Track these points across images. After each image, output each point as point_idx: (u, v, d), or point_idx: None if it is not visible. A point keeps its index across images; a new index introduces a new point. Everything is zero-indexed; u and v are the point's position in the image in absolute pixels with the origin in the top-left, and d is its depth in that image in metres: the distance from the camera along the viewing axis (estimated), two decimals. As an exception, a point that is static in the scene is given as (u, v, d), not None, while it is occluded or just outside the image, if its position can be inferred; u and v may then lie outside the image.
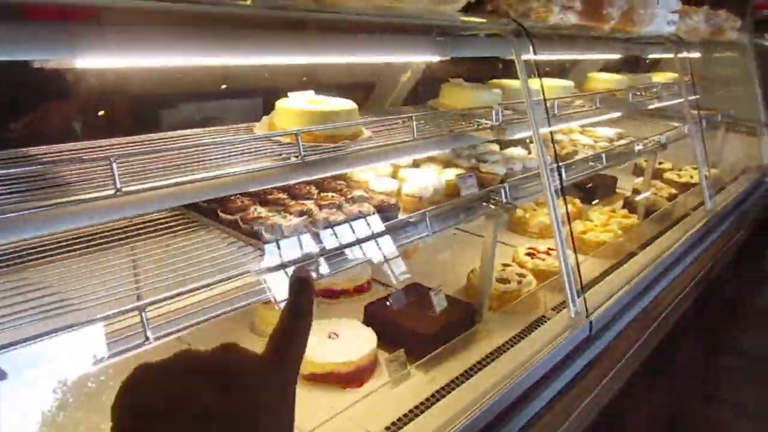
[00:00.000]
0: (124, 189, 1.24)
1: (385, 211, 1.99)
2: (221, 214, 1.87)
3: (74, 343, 1.25)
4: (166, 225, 1.88)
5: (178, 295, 1.35)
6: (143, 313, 1.26)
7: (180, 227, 1.89)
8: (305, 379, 2.08)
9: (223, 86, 2.74)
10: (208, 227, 1.90)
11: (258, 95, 2.74)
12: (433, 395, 1.96)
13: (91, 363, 1.25)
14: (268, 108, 1.98)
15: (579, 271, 2.49)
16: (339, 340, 2.17)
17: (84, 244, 1.68)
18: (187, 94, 2.58)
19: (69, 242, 1.68)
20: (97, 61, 1.33)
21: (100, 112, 2.32)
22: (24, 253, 1.53)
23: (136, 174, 1.35)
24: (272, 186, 1.67)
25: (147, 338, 1.27)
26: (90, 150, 1.61)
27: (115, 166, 1.22)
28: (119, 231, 1.79)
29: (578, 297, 2.41)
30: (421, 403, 1.93)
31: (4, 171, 1.29)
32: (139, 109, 2.50)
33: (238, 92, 2.79)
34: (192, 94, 2.62)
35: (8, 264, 1.46)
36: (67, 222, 1.21)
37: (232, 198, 1.91)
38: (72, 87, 1.99)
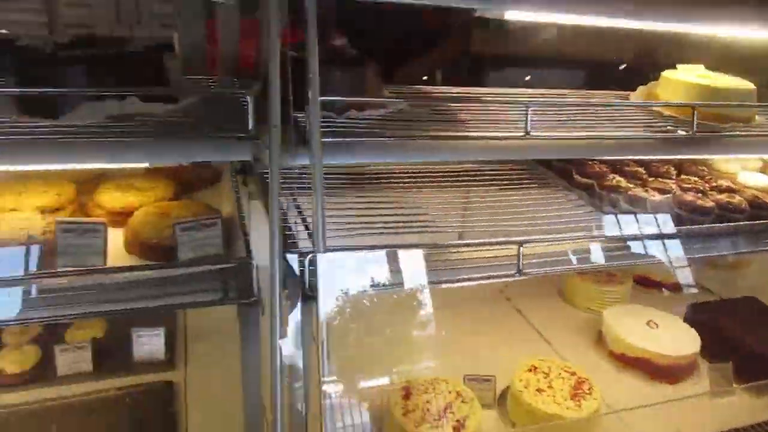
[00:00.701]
0: (532, 133, 1.35)
1: (757, 208, 1.77)
2: (576, 176, 1.91)
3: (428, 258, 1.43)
4: (518, 176, 2.01)
5: (551, 240, 1.45)
6: (521, 248, 1.39)
7: (528, 180, 2.01)
8: (614, 358, 2.04)
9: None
10: (556, 186, 1.97)
11: (583, 66, 2.68)
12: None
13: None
14: (596, 78, 1.90)
15: None
16: (657, 330, 2.06)
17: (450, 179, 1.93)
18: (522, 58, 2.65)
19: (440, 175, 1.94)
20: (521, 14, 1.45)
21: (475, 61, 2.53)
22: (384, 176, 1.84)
23: (540, 122, 1.44)
24: (651, 157, 1.63)
25: (519, 271, 1.39)
26: (491, 95, 1.78)
27: (530, 111, 1.33)
28: (478, 173, 1.99)
29: None
30: (752, 427, 1.73)
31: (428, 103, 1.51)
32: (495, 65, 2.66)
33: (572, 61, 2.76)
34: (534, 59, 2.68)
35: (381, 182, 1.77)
36: (477, 154, 1.38)
37: (590, 162, 1.93)
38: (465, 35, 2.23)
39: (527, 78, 2.60)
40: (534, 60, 2.64)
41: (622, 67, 2.46)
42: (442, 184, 1.93)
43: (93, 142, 1.09)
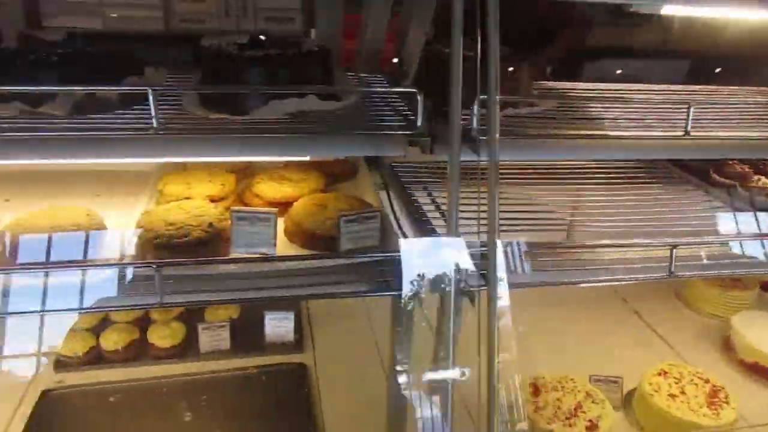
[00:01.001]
0: (692, 132, 1.31)
1: None
2: (714, 175, 1.84)
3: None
4: (648, 173, 1.96)
5: (704, 243, 1.41)
6: (674, 250, 1.35)
7: (661, 178, 1.94)
8: (745, 367, 1.96)
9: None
10: (689, 184, 1.90)
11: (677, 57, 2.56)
12: None
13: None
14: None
15: None
16: (794, 340, 1.96)
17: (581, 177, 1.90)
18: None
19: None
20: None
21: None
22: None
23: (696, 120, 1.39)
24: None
25: (671, 273, 1.36)
26: (643, 92, 1.74)
27: (691, 110, 1.29)
28: (604, 170, 1.95)
29: None
30: None
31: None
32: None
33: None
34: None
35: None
36: (632, 153, 1.36)
37: (729, 162, 1.86)
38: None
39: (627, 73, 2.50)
40: (651, 54, 2.55)
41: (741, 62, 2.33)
42: (572, 180, 1.90)
43: (275, 137, 1.16)
